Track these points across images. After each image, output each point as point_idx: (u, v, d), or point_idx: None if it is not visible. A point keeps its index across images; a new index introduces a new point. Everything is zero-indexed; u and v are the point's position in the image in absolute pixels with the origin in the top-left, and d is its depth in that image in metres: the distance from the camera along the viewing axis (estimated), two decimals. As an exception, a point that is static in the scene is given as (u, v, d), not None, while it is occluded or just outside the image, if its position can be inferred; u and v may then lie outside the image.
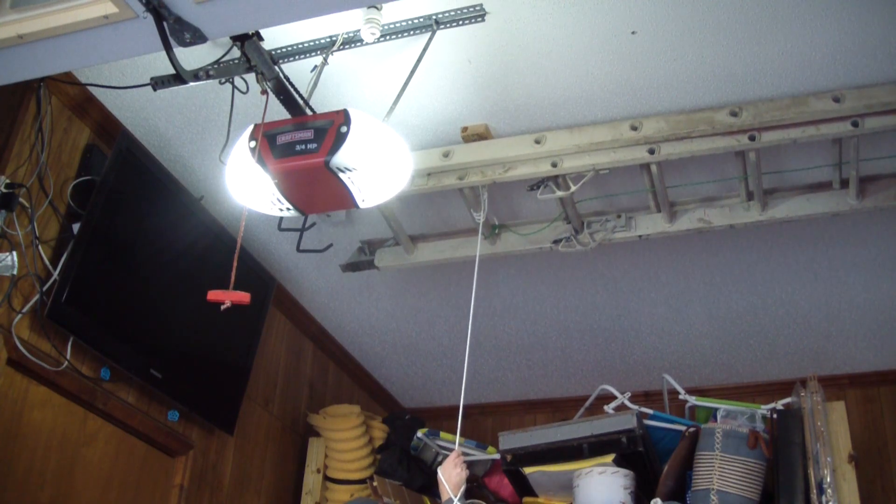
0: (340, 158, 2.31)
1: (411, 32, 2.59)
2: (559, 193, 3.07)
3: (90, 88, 2.85)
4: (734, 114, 2.84)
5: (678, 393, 3.77)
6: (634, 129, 2.92)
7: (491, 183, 3.08)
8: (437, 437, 4.00)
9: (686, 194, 3.26)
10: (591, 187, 3.13)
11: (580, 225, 3.28)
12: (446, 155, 3.07)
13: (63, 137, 2.84)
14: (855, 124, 2.73)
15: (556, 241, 3.32)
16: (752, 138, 2.82)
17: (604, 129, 2.95)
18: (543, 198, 3.12)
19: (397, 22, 2.58)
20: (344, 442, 3.94)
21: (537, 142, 2.99)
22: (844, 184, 3.08)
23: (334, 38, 2.62)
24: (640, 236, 3.28)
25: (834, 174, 3.06)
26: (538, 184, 3.11)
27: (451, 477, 2.68)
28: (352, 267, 3.64)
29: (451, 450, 3.73)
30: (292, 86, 2.47)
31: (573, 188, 3.05)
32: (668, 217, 3.22)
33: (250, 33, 2.28)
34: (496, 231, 3.41)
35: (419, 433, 3.98)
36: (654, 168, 2.99)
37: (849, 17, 2.55)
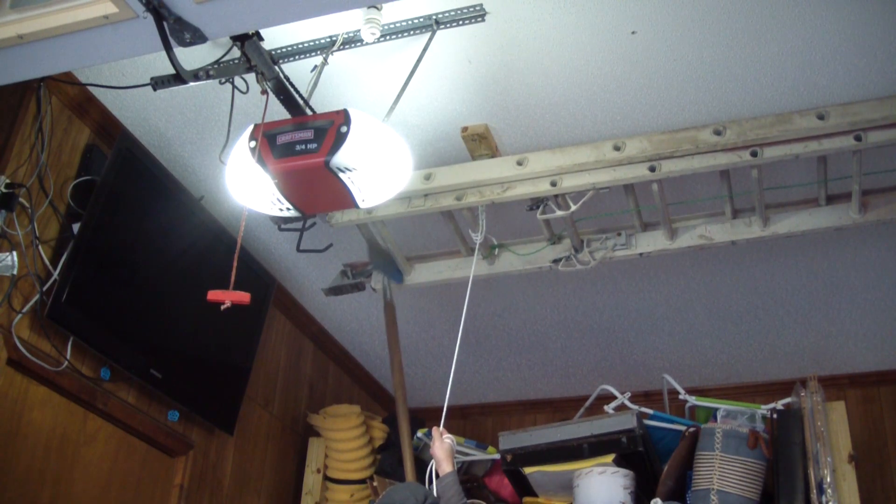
0: (340, 158, 2.31)
1: (411, 32, 2.59)
2: (559, 213, 3.07)
3: (90, 88, 2.85)
4: (718, 132, 2.84)
5: (678, 393, 3.77)
6: (617, 149, 2.92)
7: (489, 203, 3.07)
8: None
9: (685, 210, 3.26)
10: (589, 205, 3.13)
11: (580, 244, 3.28)
12: (428, 178, 3.07)
13: (63, 137, 2.84)
14: (858, 138, 2.72)
15: (555, 261, 3.33)
16: (754, 154, 2.81)
17: (587, 150, 2.96)
18: (543, 217, 3.11)
19: (397, 22, 2.58)
20: (344, 442, 3.94)
21: (519, 164, 3.00)
22: (830, 200, 3.09)
23: (334, 38, 2.62)
24: (640, 254, 3.28)
25: (820, 191, 3.07)
26: (537, 203, 3.10)
27: (437, 450, 2.73)
28: (335, 291, 3.62)
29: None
30: (292, 86, 2.47)
31: (573, 207, 3.04)
32: (669, 234, 3.22)
33: (250, 33, 2.28)
34: (495, 251, 3.41)
35: (419, 433, 3.96)
36: (654, 186, 2.98)
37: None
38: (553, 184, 2.99)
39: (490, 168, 3.05)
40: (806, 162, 2.96)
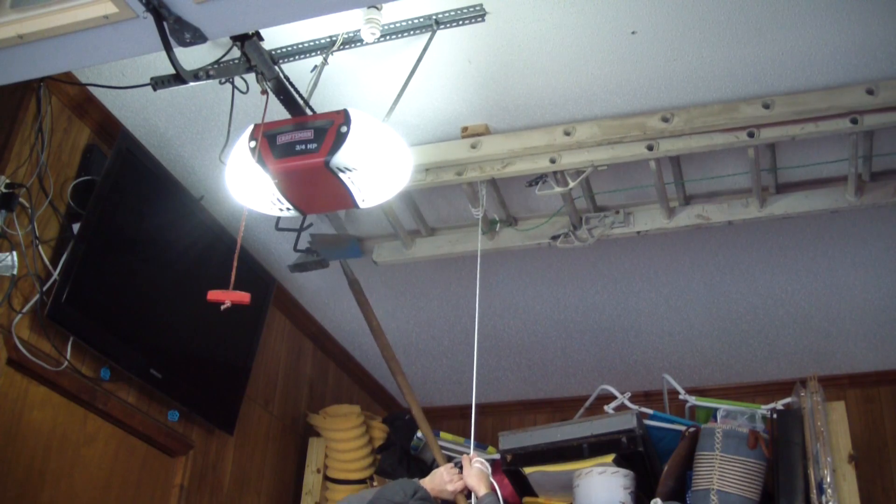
0: (340, 158, 2.31)
1: (411, 32, 2.59)
2: (557, 189, 3.07)
3: (90, 88, 2.85)
4: (665, 119, 2.86)
5: (678, 393, 3.77)
6: (568, 134, 2.94)
7: (489, 179, 3.07)
8: (437, 437, 4.00)
9: (686, 190, 3.26)
10: (593, 182, 3.12)
11: (578, 221, 3.28)
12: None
13: (63, 137, 2.84)
14: (854, 122, 2.74)
15: (554, 237, 3.32)
16: (750, 135, 2.83)
17: (538, 134, 2.97)
18: (542, 194, 3.12)
19: (397, 22, 2.58)
20: (344, 442, 3.94)
21: (473, 147, 3.01)
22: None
23: (334, 38, 2.62)
24: (638, 232, 3.27)
25: (761, 178, 3.06)
26: (536, 180, 3.11)
27: (469, 478, 2.80)
28: (300, 268, 3.58)
29: (451, 450, 3.73)
30: (292, 86, 2.47)
31: (571, 184, 3.05)
32: (667, 213, 3.22)
33: (250, 33, 2.28)
34: (495, 227, 3.40)
35: (419, 433, 3.97)
36: (652, 164, 2.99)
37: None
38: (552, 160, 2.99)
39: (444, 151, 3.04)
40: (802, 145, 2.97)
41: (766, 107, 2.79)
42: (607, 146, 2.94)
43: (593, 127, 2.93)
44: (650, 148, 2.91)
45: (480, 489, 2.78)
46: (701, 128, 2.84)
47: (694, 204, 3.24)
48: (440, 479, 2.84)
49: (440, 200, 3.40)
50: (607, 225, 3.28)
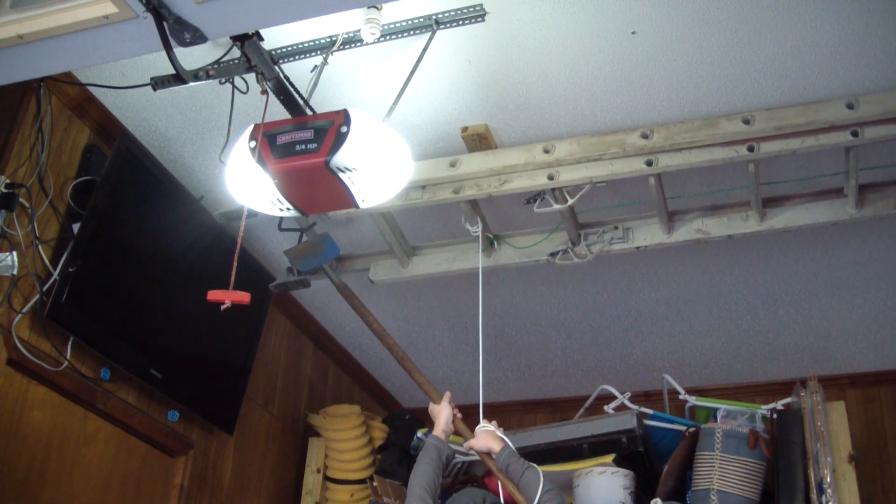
0: (340, 158, 2.31)
1: (411, 32, 2.59)
2: (556, 206, 3.06)
3: (90, 88, 2.85)
4: (645, 136, 2.86)
5: (678, 393, 3.77)
6: (547, 152, 2.95)
7: (487, 196, 3.07)
8: (437, 438, 3.99)
9: (682, 204, 3.25)
10: (590, 197, 3.11)
11: (577, 237, 3.27)
12: None
13: (63, 137, 2.84)
14: (855, 134, 2.73)
15: (552, 254, 3.31)
16: (751, 149, 2.81)
17: (517, 153, 2.98)
18: (540, 211, 3.11)
19: (397, 22, 2.58)
20: (344, 442, 3.94)
21: (452, 165, 3.01)
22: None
23: (334, 38, 2.62)
24: (637, 248, 3.26)
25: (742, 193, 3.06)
26: (535, 197, 3.10)
27: (477, 442, 2.90)
28: (282, 287, 3.54)
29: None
30: (292, 86, 2.47)
31: (570, 201, 3.04)
32: (666, 228, 3.20)
33: (250, 33, 2.28)
34: (492, 243, 3.39)
35: (419, 433, 3.97)
36: (652, 180, 2.97)
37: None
38: (550, 177, 2.99)
39: (422, 170, 3.03)
40: (805, 157, 2.96)
41: (747, 122, 2.78)
42: (605, 161, 2.93)
43: (573, 144, 2.93)
44: (649, 163, 2.90)
45: (494, 446, 2.84)
46: (680, 144, 2.83)
47: (693, 218, 3.22)
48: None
49: (427, 218, 3.39)
50: (606, 241, 3.26)
